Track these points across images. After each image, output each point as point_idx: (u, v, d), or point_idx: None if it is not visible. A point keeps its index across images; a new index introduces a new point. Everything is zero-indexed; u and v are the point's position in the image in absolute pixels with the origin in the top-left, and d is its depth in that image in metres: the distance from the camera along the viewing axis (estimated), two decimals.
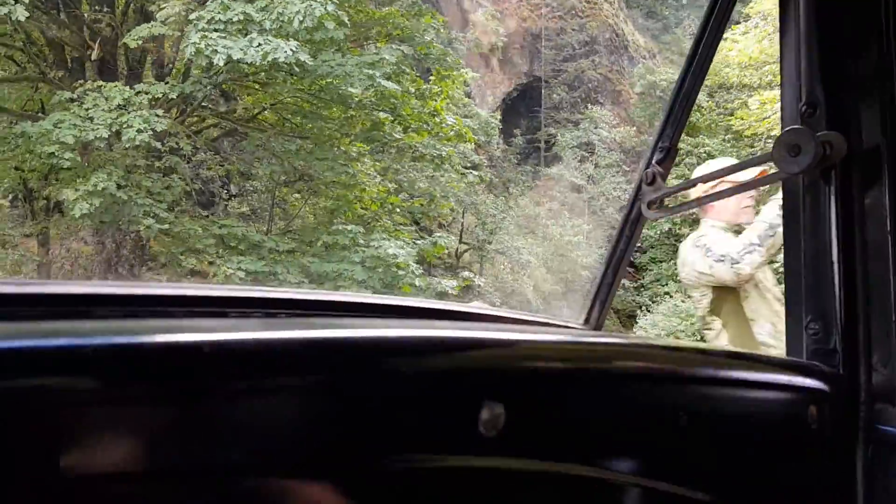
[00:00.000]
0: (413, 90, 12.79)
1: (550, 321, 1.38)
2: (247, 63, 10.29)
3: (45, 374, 0.56)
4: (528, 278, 20.65)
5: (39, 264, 13.96)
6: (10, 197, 15.28)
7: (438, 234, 14.29)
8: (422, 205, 14.56)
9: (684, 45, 26.64)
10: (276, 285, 11.20)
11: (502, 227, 20.71)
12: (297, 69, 10.71)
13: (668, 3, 29.98)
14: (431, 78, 13.90)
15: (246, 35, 10.28)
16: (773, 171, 1.35)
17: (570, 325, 1.50)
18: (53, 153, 10.34)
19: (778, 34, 1.39)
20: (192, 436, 0.63)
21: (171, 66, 13.46)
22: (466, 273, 16.53)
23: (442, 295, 12.71)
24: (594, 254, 20.78)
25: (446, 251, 16.87)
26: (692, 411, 1.06)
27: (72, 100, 11.03)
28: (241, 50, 10.05)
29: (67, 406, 0.57)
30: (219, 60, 9.92)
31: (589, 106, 25.50)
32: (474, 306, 1.28)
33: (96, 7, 12.82)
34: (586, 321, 1.56)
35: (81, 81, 11.60)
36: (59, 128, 10.40)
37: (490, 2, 25.70)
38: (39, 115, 12.37)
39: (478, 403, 0.81)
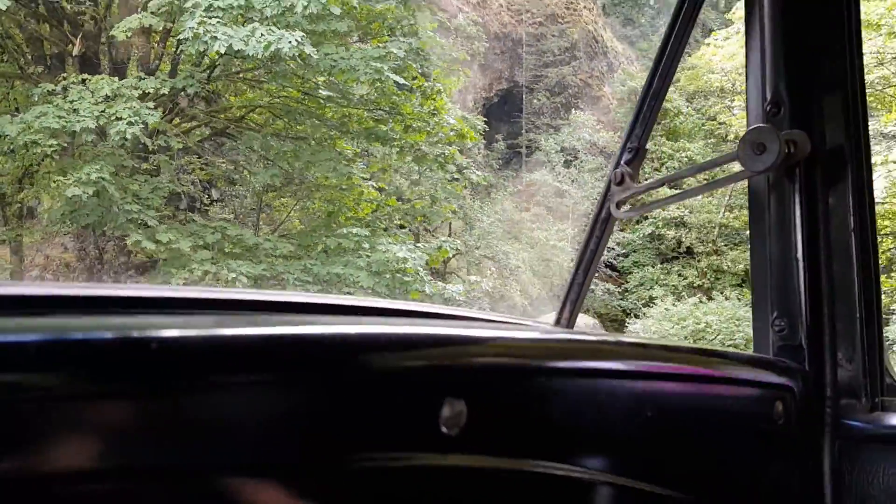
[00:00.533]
0: (415, 88, 12.30)
1: (519, 322, 1.33)
2: (247, 55, 9.66)
3: None
4: (517, 283, 20.43)
5: (12, 273, 13.08)
6: None
7: (443, 239, 13.81)
8: (422, 206, 14.08)
9: None
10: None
11: (490, 231, 20.47)
12: (299, 62, 10.12)
13: (644, 12, 30.21)
14: (423, 82, 13.40)
15: (246, 23, 9.66)
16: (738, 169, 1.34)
17: (539, 325, 1.47)
18: (37, 141, 9.54)
19: (744, 34, 1.38)
20: (140, 434, 0.59)
21: (157, 61, 12.72)
22: (474, 277, 16.10)
23: (448, 301, 12.21)
24: None
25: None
26: (658, 407, 1.04)
27: (52, 92, 10.25)
28: (243, 41, 9.41)
29: (4, 404, 0.53)
30: (219, 47, 9.26)
31: (571, 111, 25.44)
32: (436, 307, 1.25)
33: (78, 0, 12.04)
34: (557, 321, 1.57)
35: (64, 75, 10.83)
36: (44, 117, 9.62)
37: (471, 7, 25.39)
38: (15, 113, 11.57)
39: (439, 400, 0.78)
